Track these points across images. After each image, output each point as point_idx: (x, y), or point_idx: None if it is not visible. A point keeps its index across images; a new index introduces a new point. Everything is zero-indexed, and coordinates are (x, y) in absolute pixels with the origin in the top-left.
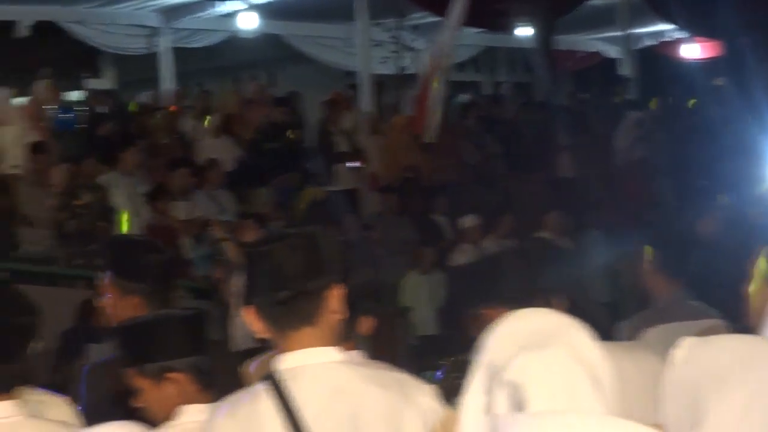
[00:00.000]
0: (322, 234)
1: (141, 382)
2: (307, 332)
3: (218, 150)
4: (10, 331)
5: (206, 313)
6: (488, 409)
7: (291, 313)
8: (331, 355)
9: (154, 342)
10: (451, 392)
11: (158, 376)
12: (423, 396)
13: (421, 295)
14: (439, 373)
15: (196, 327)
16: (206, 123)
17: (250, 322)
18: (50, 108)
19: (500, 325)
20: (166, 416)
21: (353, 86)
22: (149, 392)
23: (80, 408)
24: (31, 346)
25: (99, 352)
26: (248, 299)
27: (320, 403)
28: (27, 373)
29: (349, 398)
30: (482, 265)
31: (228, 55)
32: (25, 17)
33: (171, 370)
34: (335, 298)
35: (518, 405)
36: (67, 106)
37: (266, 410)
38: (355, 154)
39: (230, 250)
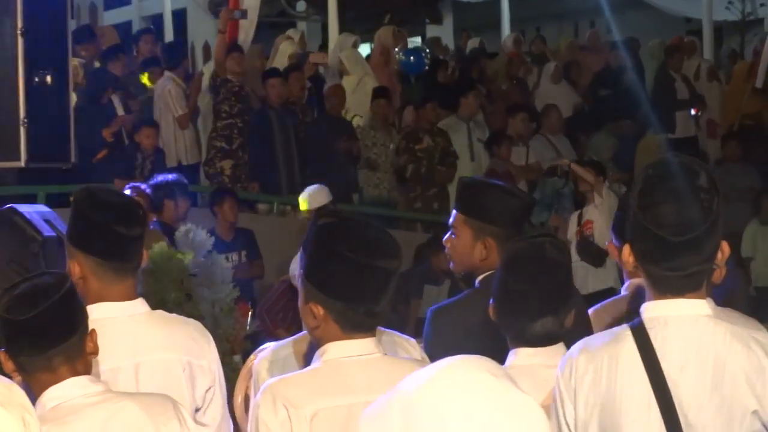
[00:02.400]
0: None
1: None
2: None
3: (556, 96)
4: (377, 273)
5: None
6: None
7: (685, 279)
8: (702, 308)
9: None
10: None
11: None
12: None
13: (761, 245)
14: None
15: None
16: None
17: (625, 258)
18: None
19: None
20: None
21: (694, 32)
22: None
23: (425, 351)
24: (390, 288)
25: (435, 293)
26: (623, 236)
27: (683, 356)
28: (386, 314)
29: (711, 354)
30: None
31: (566, 1)
32: None
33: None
34: (722, 254)
35: None
36: (416, 50)
37: (628, 355)
38: (695, 101)
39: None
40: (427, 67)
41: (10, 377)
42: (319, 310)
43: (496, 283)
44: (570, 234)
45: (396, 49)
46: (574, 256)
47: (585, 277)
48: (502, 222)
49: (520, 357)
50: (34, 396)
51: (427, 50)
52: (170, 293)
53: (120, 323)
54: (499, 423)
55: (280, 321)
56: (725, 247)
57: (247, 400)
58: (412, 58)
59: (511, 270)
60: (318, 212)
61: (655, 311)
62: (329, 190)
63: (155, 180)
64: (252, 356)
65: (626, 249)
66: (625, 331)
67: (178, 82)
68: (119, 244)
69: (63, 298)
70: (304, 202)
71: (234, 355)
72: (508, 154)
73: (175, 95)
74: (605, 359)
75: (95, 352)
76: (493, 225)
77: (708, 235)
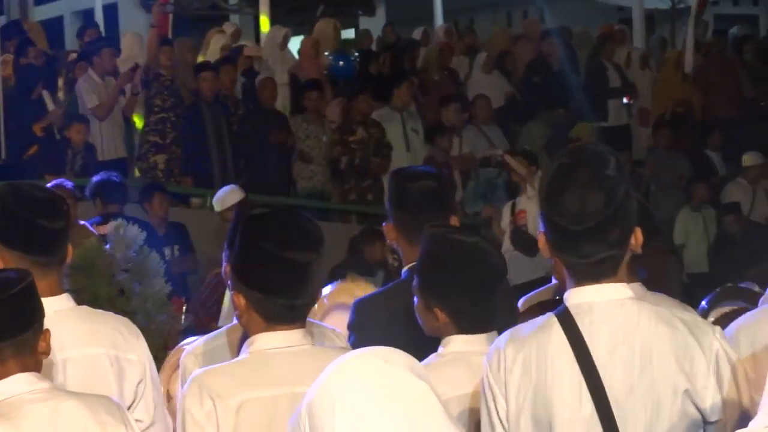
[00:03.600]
0: (615, 177)
1: (418, 300)
2: (603, 279)
3: (488, 86)
4: (294, 266)
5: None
6: None
7: (595, 266)
8: (621, 291)
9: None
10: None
11: (428, 305)
12: (712, 338)
13: (693, 232)
14: (703, 303)
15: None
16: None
17: (542, 247)
18: (328, 51)
19: None
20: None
21: (625, 21)
22: (419, 310)
23: (350, 340)
24: (311, 282)
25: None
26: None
27: (610, 341)
28: (309, 306)
29: (638, 336)
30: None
31: None
32: None
33: (436, 306)
34: (635, 240)
35: None
36: (344, 52)
37: (557, 342)
38: (628, 89)
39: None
40: (355, 70)
41: None
42: (242, 300)
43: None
44: (504, 224)
45: (326, 53)
46: (508, 246)
47: (519, 267)
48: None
49: (453, 344)
50: None
51: (356, 54)
52: (102, 289)
53: (46, 319)
54: (385, 412)
55: (214, 314)
56: (638, 233)
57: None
58: (341, 62)
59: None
60: (243, 206)
61: (577, 298)
62: (257, 185)
63: (95, 180)
64: (175, 349)
65: (541, 238)
66: (551, 319)
67: (91, 75)
68: (42, 238)
69: (21, 293)
70: (216, 204)
71: (168, 350)
72: (449, 145)
73: (84, 89)
74: (533, 348)
75: (47, 353)
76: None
77: (611, 223)
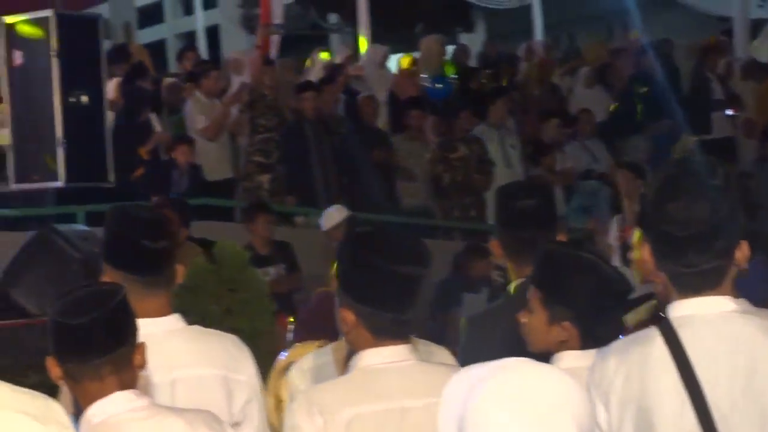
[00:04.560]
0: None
1: (538, 313)
2: (707, 291)
3: (590, 100)
4: (403, 279)
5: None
6: None
7: (699, 277)
8: (725, 304)
9: (564, 286)
10: None
11: (556, 319)
12: None
13: None
14: None
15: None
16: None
17: (646, 257)
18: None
19: None
20: (543, 352)
21: (727, 32)
22: (536, 325)
23: (460, 358)
24: (417, 295)
25: (474, 301)
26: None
27: (713, 353)
28: (417, 321)
29: (742, 349)
30: None
31: (598, 4)
32: None
33: (567, 319)
34: (741, 254)
35: None
36: (441, 74)
37: (659, 355)
38: (732, 101)
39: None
40: (453, 92)
41: (51, 393)
42: (350, 316)
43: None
44: (611, 238)
45: (422, 75)
46: (617, 262)
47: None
48: (520, 226)
49: (566, 360)
50: (80, 405)
51: (454, 75)
52: (209, 308)
53: (155, 339)
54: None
55: (318, 333)
56: (744, 247)
57: (277, 402)
58: (438, 85)
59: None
60: (351, 224)
61: (680, 310)
62: (361, 203)
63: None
64: (281, 359)
65: (646, 248)
66: (653, 332)
67: (199, 97)
68: (145, 258)
69: (117, 307)
70: (324, 222)
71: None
72: (553, 162)
73: (194, 110)
74: (635, 360)
75: (143, 366)
76: (513, 230)
77: (717, 233)
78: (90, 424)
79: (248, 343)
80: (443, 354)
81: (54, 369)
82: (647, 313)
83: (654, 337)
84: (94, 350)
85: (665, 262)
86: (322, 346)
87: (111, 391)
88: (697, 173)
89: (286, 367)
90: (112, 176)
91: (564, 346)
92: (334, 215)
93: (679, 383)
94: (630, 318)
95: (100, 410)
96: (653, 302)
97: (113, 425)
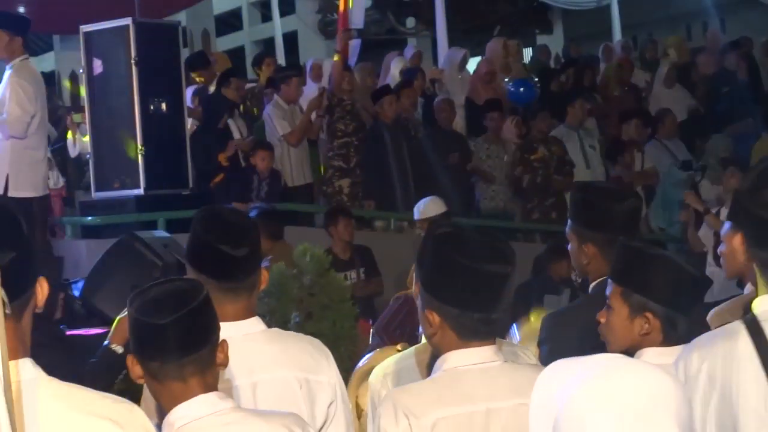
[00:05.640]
0: None
1: (618, 309)
2: None
3: (670, 99)
4: (490, 279)
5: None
6: None
7: None
8: None
9: (644, 276)
10: None
11: (637, 310)
12: None
13: None
14: None
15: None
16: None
17: (736, 246)
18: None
19: None
20: (624, 350)
21: None
22: (617, 321)
23: (541, 355)
24: (506, 295)
25: (555, 303)
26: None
27: None
28: (504, 321)
29: None
30: None
31: (676, 3)
32: None
33: (649, 309)
34: None
35: None
36: (524, 78)
37: (744, 350)
38: None
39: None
40: (537, 95)
41: (129, 393)
42: (435, 318)
43: None
44: (703, 235)
45: (506, 80)
46: (711, 261)
47: (721, 283)
48: (601, 227)
49: (646, 356)
50: (162, 407)
51: (536, 79)
52: (291, 312)
53: (235, 343)
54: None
55: (397, 337)
56: None
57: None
58: (521, 89)
59: None
60: (432, 224)
61: (766, 305)
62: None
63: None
64: (361, 366)
65: (737, 237)
66: (738, 326)
67: (279, 102)
68: (226, 264)
69: (200, 305)
70: (417, 212)
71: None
72: (632, 161)
73: (275, 116)
74: (719, 355)
75: (225, 364)
76: (594, 231)
77: None
78: (173, 428)
79: (330, 347)
80: (528, 355)
81: (135, 368)
82: (735, 307)
83: (739, 331)
84: (176, 350)
85: (757, 250)
86: (402, 351)
87: (194, 393)
88: None
89: (366, 374)
90: (191, 183)
91: (646, 340)
92: (430, 207)
93: (763, 378)
94: (716, 312)
95: (183, 414)
96: (743, 296)
97: (197, 429)
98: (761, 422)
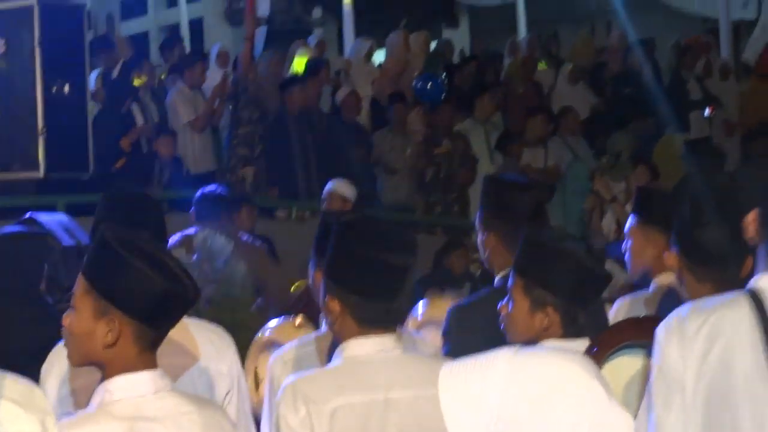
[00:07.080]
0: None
1: (520, 302)
2: None
3: (573, 97)
4: (392, 269)
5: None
6: None
7: None
8: None
9: (545, 270)
10: None
11: (538, 305)
12: None
13: None
14: None
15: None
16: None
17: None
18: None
19: None
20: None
21: (711, 32)
22: (518, 314)
23: (445, 347)
24: (407, 285)
25: (456, 296)
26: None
27: None
28: (404, 311)
29: None
30: None
31: (580, 3)
32: None
33: (550, 304)
34: None
35: None
36: (431, 72)
37: (744, 317)
38: (709, 101)
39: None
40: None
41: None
42: (336, 305)
43: None
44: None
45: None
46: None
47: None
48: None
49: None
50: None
51: (444, 75)
52: None
53: None
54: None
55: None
56: None
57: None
58: (429, 84)
59: None
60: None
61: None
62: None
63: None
64: (259, 335)
65: (751, 214)
66: (741, 297)
67: (183, 88)
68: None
69: None
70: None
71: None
72: (519, 152)
73: (179, 102)
74: (718, 320)
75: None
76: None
77: None
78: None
79: (232, 334)
80: (427, 345)
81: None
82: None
83: (740, 301)
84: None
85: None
86: (301, 326)
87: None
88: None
89: (265, 344)
90: (92, 167)
91: (546, 334)
92: (344, 188)
93: (761, 349)
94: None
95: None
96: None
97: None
98: (757, 393)
